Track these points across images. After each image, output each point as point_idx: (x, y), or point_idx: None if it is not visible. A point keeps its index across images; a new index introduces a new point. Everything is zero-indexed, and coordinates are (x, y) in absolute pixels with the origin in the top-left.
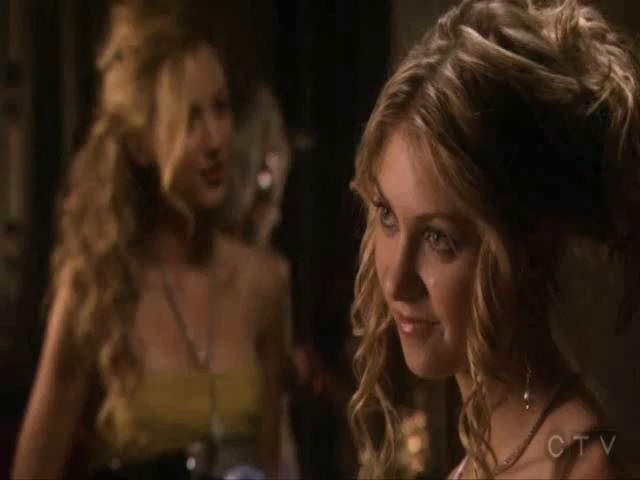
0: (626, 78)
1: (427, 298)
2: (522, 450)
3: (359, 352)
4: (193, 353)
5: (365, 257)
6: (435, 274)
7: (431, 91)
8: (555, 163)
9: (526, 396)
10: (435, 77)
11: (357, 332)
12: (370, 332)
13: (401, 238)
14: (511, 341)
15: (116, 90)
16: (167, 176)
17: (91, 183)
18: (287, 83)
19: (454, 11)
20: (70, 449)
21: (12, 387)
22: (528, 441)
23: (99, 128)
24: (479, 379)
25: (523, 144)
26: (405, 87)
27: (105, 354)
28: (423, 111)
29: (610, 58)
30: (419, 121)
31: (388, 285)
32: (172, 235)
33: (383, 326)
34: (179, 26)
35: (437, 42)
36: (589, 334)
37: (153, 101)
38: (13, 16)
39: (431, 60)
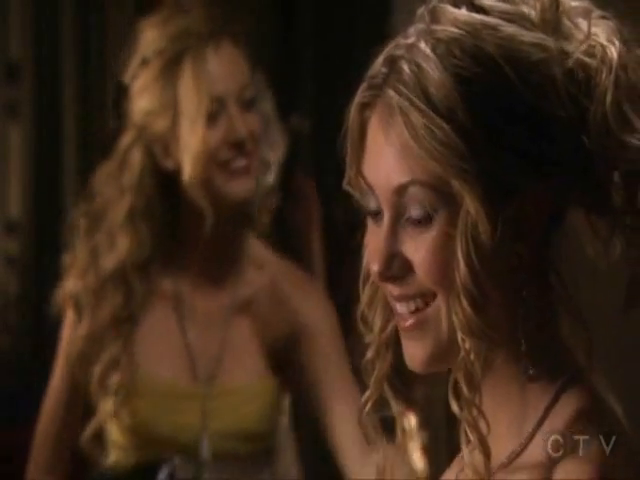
0: (610, 41)
1: (415, 274)
2: (523, 448)
3: (368, 356)
4: (192, 369)
5: (365, 259)
6: (416, 245)
7: (405, 65)
8: (531, 122)
9: (531, 372)
10: (410, 54)
11: (367, 338)
12: (376, 336)
13: (385, 218)
14: (499, 311)
15: (141, 97)
16: (188, 170)
17: (112, 193)
18: (284, 67)
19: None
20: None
21: (11, 386)
22: (529, 439)
23: (126, 140)
24: (467, 345)
25: (496, 102)
26: (382, 68)
27: (99, 369)
28: (397, 84)
29: (593, 25)
30: (392, 93)
31: (374, 266)
32: (193, 246)
33: (389, 330)
34: (202, 23)
35: (415, 26)
36: (593, 324)
37: (176, 99)
38: (13, 15)
39: (408, 41)
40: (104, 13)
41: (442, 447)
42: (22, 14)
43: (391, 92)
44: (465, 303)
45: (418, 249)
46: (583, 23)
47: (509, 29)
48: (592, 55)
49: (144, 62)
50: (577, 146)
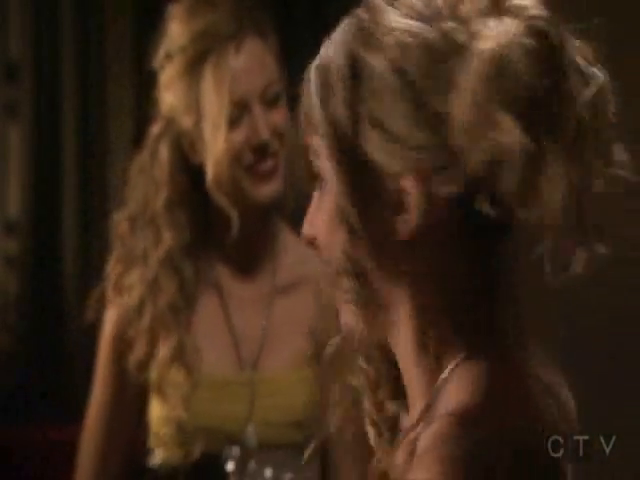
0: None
1: None
2: (416, 423)
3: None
4: (238, 357)
5: None
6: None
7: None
8: (396, 107)
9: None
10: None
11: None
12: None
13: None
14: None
15: (167, 91)
16: (210, 172)
17: (147, 187)
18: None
19: None
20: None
21: (10, 385)
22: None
23: (155, 130)
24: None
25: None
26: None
27: (160, 362)
28: (314, 64)
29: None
30: (311, 75)
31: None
32: (229, 237)
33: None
34: (225, 21)
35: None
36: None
37: (198, 100)
38: (13, 15)
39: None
40: (103, 13)
41: None
42: (22, 14)
43: (311, 74)
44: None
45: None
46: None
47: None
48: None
49: (168, 56)
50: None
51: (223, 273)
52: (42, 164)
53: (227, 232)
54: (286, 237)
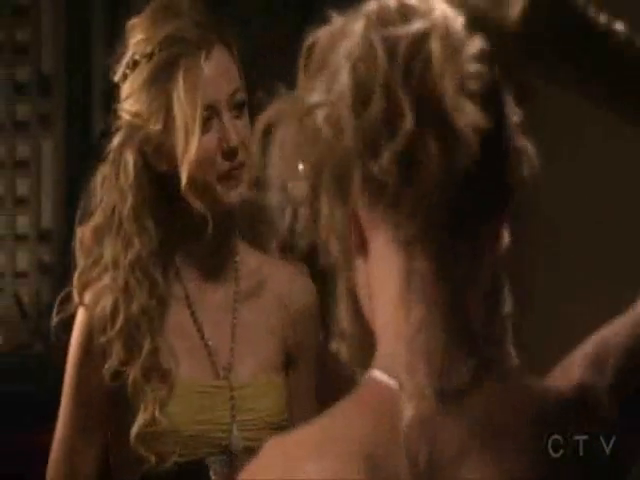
0: None
1: None
2: None
3: None
4: (213, 364)
5: None
6: None
7: None
8: None
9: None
10: None
11: None
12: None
13: None
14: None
15: (131, 99)
16: (184, 177)
17: (112, 197)
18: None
19: None
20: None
21: (44, 391)
22: None
23: (117, 141)
24: None
25: None
26: None
27: (136, 367)
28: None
29: None
30: None
31: None
32: (194, 244)
33: None
34: (192, 29)
35: None
36: None
37: (169, 104)
38: (45, 30)
39: None
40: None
41: None
42: (54, 30)
43: None
44: None
45: None
46: None
47: None
48: None
49: (134, 64)
50: None
51: (189, 280)
52: (73, 173)
53: (193, 239)
54: (243, 246)
